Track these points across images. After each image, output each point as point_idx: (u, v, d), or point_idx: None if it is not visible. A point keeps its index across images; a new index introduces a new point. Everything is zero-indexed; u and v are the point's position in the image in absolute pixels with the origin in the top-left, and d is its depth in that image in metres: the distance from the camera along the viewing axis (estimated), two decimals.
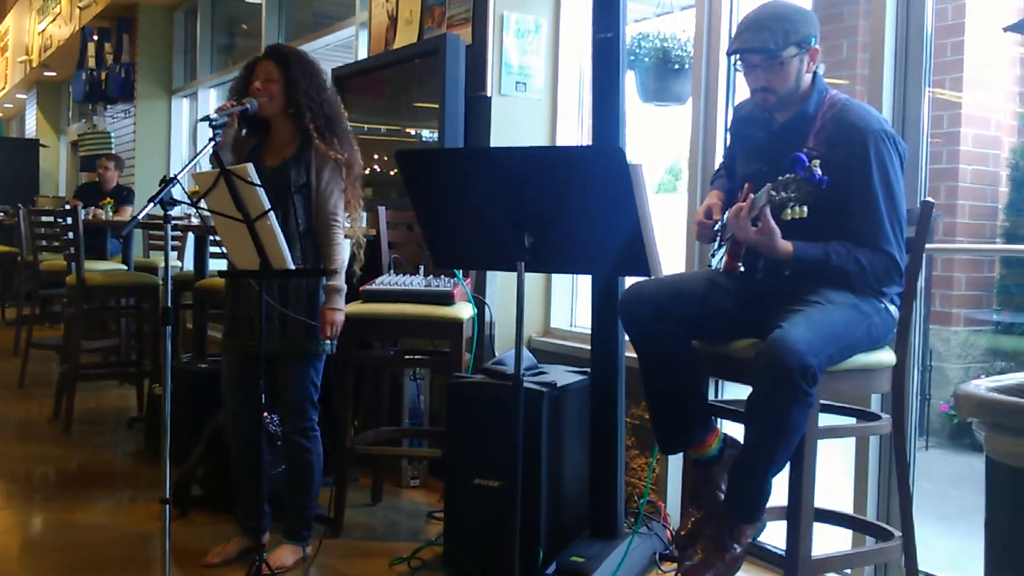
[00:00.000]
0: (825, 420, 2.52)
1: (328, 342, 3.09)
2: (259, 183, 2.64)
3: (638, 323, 2.49)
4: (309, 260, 3.05)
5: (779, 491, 2.38)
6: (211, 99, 8.47)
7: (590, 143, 3.40)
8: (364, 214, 4.61)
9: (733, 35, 2.53)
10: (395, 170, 4.30)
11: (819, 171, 2.17)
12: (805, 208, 2.21)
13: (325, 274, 3.03)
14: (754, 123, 2.64)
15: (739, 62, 2.49)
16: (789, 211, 2.22)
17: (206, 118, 2.88)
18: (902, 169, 2.42)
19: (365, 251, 3.32)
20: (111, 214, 6.63)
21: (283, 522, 3.17)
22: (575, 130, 4.27)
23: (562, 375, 3.13)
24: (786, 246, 2.34)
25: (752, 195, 2.39)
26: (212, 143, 2.84)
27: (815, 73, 2.50)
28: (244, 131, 3.11)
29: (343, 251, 3.09)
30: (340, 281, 3.06)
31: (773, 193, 2.26)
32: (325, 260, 3.05)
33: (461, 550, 2.98)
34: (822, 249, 2.35)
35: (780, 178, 2.25)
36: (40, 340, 6.50)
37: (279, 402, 3.13)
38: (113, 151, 9.42)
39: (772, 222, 2.30)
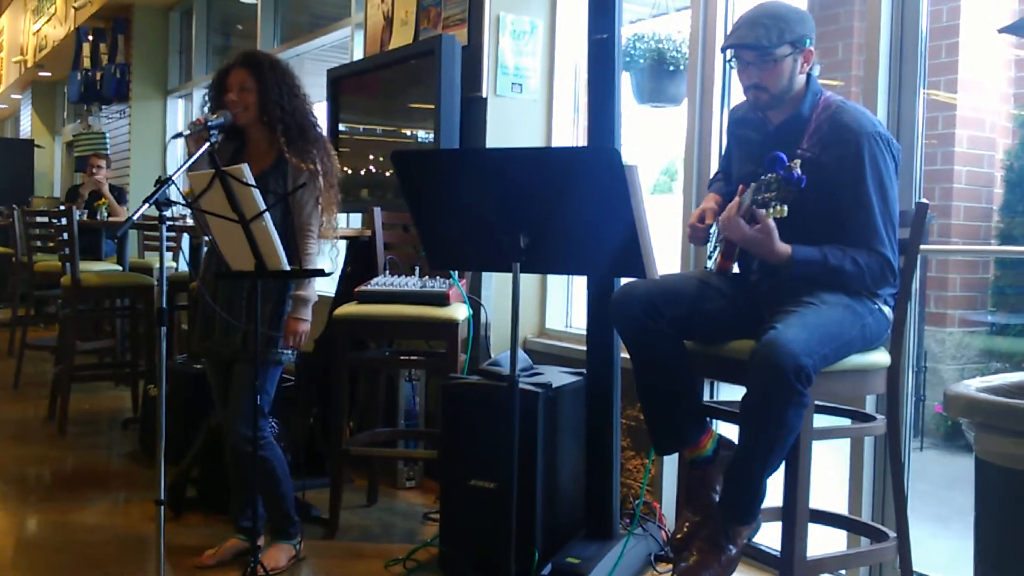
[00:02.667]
0: (820, 421, 2.52)
1: (288, 352, 3.06)
2: (254, 184, 2.64)
3: (629, 322, 2.49)
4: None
5: (774, 492, 2.38)
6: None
7: (586, 144, 3.41)
8: (360, 215, 4.62)
9: (728, 32, 2.54)
10: (391, 171, 4.29)
11: (798, 170, 2.18)
12: (785, 207, 2.22)
13: (321, 274, 3.03)
14: (749, 125, 2.65)
15: (733, 59, 2.50)
16: (771, 210, 2.23)
17: (179, 135, 2.86)
18: (896, 171, 2.43)
19: (358, 252, 3.31)
20: (105, 215, 6.62)
21: (268, 523, 3.16)
22: (571, 131, 4.27)
23: (557, 376, 3.13)
24: (784, 248, 2.33)
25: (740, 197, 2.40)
26: (209, 145, 2.84)
27: (809, 75, 2.51)
28: (219, 140, 3.08)
29: (314, 261, 3.07)
30: (309, 291, 3.05)
31: (756, 193, 2.27)
32: None
33: (457, 551, 2.98)
34: (819, 251, 2.36)
35: (763, 177, 2.27)
36: (35, 341, 6.49)
37: (230, 408, 3.06)
38: (108, 152, 9.40)
39: (770, 221, 2.30)
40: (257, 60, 3.09)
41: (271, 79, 3.03)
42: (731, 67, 2.55)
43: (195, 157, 2.79)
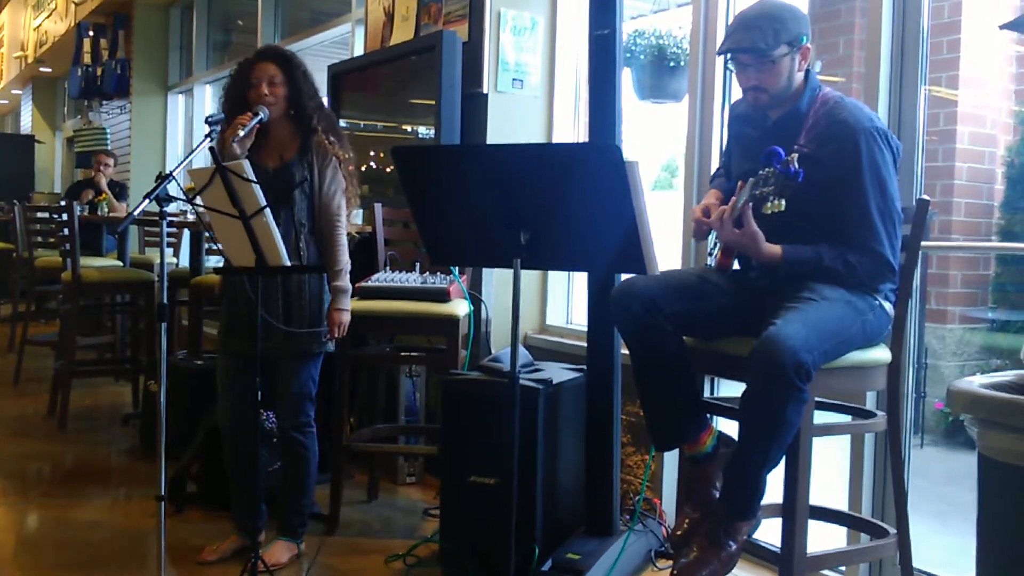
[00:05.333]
0: (820, 417, 2.52)
1: (331, 342, 3.11)
2: (255, 179, 2.64)
3: (628, 318, 2.49)
4: (313, 260, 3.06)
5: (774, 488, 2.38)
6: (207, 95, 8.45)
7: (586, 140, 3.40)
8: (360, 211, 4.62)
9: (725, 34, 2.53)
10: (391, 167, 4.29)
11: (795, 164, 2.18)
12: (783, 202, 2.21)
13: (323, 271, 3.04)
14: (748, 121, 2.65)
15: (731, 61, 2.50)
16: (768, 204, 2.23)
17: (211, 119, 2.86)
18: (895, 166, 2.42)
19: (358, 248, 3.33)
20: (106, 210, 6.62)
21: (278, 518, 3.17)
22: (571, 127, 4.26)
23: (558, 372, 3.13)
24: (773, 250, 2.34)
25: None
26: (208, 139, 2.83)
27: (808, 71, 2.50)
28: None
29: (346, 252, 3.10)
30: (345, 281, 3.08)
31: (755, 188, 2.27)
32: (329, 260, 3.07)
33: (457, 547, 2.98)
34: (813, 251, 2.35)
35: (760, 172, 2.26)
36: (35, 337, 6.49)
37: (277, 398, 3.12)
38: (109, 147, 9.40)
39: (754, 225, 2.31)
40: (284, 54, 3.11)
41: (300, 73, 3.06)
42: (730, 70, 2.54)
43: (194, 152, 2.79)
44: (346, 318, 3.08)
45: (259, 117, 2.93)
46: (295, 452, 3.12)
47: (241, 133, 2.86)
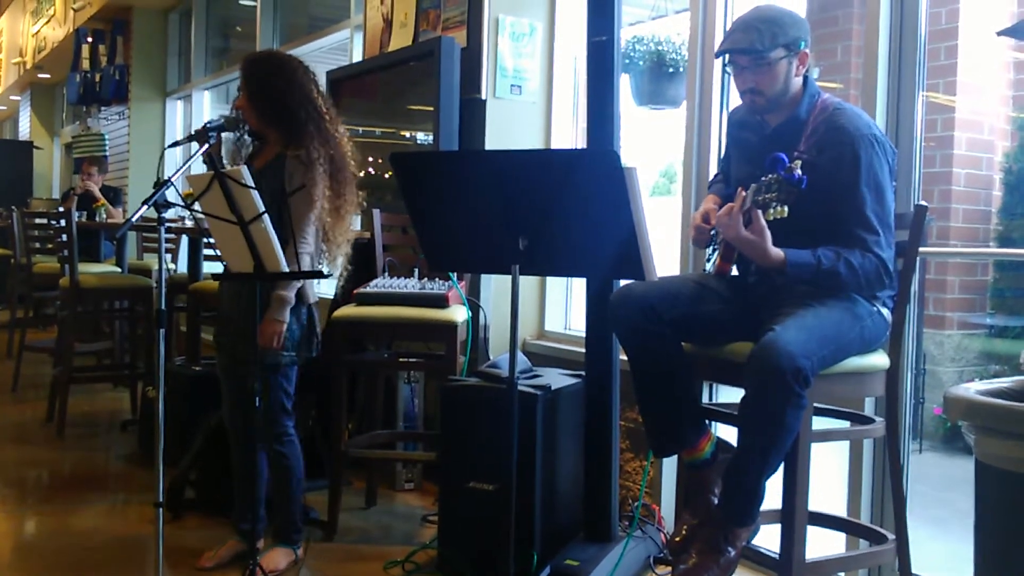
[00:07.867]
0: (819, 423, 2.52)
1: (284, 353, 2.98)
2: (253, 185, 2.63)
3: (627, 324, 2.49)
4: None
5: (773, 494, 2.38)
6: (205, 101, 8.46)
7: (585, 146, 3.41)
8: (358, 216, 4.62)
9: (723, 36, 2.54)
10: (390, 173, 4.30)
11: (799, 171, 2.18)
12: (786, 208, 2.21)
13: (320, 276, 3.02)
14: (748, 127, 2.65)
15: (728, 64, 2.50)
16: (771, 211, 2.23)
17: (210, 125, 2.87)
18: (891, 174, 2.43)
19: (357, 254, 3.30)
20: (104, 216, 6.61)
21: (272, 526, 3.17)
22: (570, 133, 4.27)
23: (556, 378, 3.13)
24: (778, 252, 2.33)
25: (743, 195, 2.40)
26: (207, 145, 2.84)
27: (807, 77, 2.51)
28: (240, 139, 3.08)
29: (304, 263, 2.93)
30: (288, 292, 2.94)
31: (757, 194, 2.27)
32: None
33: (455, 553, 2.98)
34: (812, 254, 2.35)
35: (763, 178, 2.26)
36: (33, 343, 6.48)
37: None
38: (107, 153, 9.40)
39: (763, 222, 2.29)
40: (244, 62, 3.10)
41: (253, 76, 3.04)
42: (728, 72, 2.55)
43: (192, 158, 2.79)
44: (276, 328, 2.91)
45: (217, 122, 2.91)
46: (276, 462, 3.10)
47: (211, 141, 2.86)
